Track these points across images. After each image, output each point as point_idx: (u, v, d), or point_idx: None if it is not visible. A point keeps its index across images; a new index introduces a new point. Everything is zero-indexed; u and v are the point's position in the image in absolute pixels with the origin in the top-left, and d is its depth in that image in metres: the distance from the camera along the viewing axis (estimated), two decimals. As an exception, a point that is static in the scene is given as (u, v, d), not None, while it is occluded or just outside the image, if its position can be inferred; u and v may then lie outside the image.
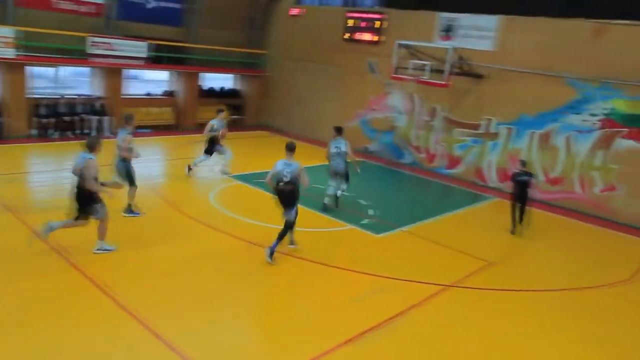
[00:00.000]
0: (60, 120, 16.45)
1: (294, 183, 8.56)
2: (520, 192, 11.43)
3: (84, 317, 6.44)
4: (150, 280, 7.64)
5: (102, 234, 8.23)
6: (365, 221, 11.34)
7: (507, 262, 10.05)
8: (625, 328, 7.86)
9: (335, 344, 6.36)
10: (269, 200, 12.05)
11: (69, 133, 16.57)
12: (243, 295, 7.57)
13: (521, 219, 11.56)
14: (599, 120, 13.81)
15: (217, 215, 10.72)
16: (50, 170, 13.30)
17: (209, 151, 13.53)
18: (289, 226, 8.83)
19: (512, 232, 11.67)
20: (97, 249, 8.22)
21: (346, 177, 11.84)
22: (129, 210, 10.13)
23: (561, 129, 14.44)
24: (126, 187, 9.95)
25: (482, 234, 11.91)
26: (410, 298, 7.86)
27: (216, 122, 13.51)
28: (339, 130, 11.82)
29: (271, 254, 8.56)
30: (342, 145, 11.55)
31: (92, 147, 7.84)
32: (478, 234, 11.91)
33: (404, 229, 11.18)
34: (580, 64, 13.96)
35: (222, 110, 14.00)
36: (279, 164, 8.63)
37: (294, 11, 20.85)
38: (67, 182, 12.02)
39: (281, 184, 8.57)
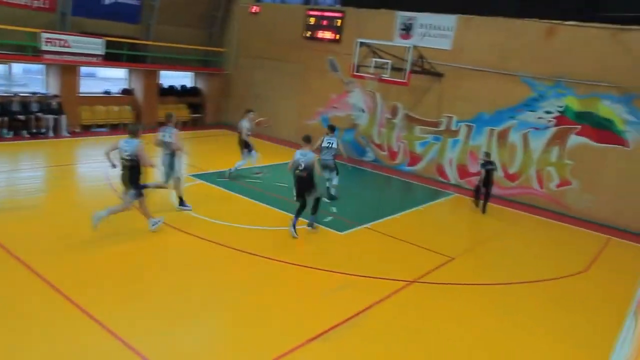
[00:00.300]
0: (13, 119, 15.89)
1: (308, 170, 9.80)
2: (487, 178, 13.15)
3: (40, 320, 6.25)
4: (108, 280, 7.47)
5: (147, 214, 9.35)
6: (328, 219, 11.37)
7: (468, 257, 10.24)
8: (588, 316, 8.16)
9: (301, 341, 6.38)
10: (230, 199, 12.05)
11: (23, 132, 16.03)
12: (205, 294, 7.50)
13: (485, 203, 13.38)
14: (553, 118, 14.25)
15: (178, 214, 10.56)
16: (5, 171, 12.82)
17: (248, 150, 13.71)
18: (316, 204, 10.35)
19: (477, 205, 13.49)
20: (152, 226, 9.37)
21: (335, 169, 12.75)
22: (182, 203, 10.90)
23: (518, 126, 14.84)
24: (168, 183, 10.72)
25: (444, 230, 12.14)
26: (374, 294, 7.94)
27: (246, 121, 13.60)
28: (332, 129, 12.89)
29: (310, 225, 10.44)
30: (334, 142, 12.57)
31: (136, 133, 8.82)
32: (439, 229, 12.13)
33: (367, 226, 11.27)
34: (534, 63, 14.38)
35: (251, 111, 14.08)
36: (297, 153, 9.94)
37: (254, 9, 20.74)
38: (22, 182, 11.74)
39: (297, 171, 9.86)
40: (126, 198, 8.99)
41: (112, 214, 8.84)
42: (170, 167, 10.56)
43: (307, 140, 10.12)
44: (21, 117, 16.00)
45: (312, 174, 9.88)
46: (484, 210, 13.29)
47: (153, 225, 9.37)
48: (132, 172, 8.80)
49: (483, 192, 13.36)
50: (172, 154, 10.52)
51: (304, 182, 9.89)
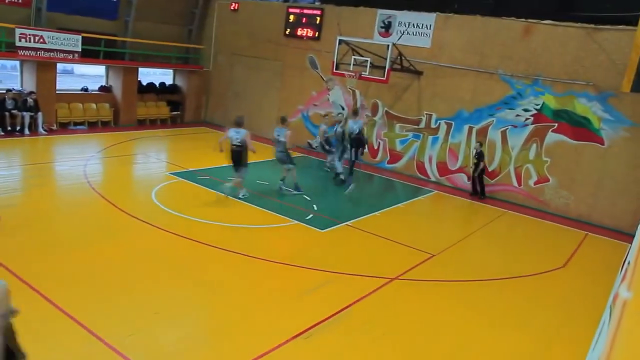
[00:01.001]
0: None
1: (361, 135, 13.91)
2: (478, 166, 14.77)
3: (16, 320, 6.14)
4: (87, 279, 7.38)
5: (239, 185, 11.93)
6: (310, 217, 11.39)
7: (449, 254, 10.34)
8: (566, 312, 8.29)
9: (283, 339, 6.38)
10: (211, 198, 12.01)
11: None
12: (186, 292, 7.45)
13: (483, 189, 14.96)
14: (531, 116, 14.44)
15: (158, 213, 10.48)
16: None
17: (328, 151, 15.03)
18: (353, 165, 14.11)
19: (474, 195, 15.05)
20: (242, 195, 11.99)
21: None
22: (296, 187, 12.89)
23: (497, 123, 15.01)
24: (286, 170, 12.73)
25: (424, 227, 12.23)
26: (356, 291, 7.97)
27: (323, 125, 15.08)
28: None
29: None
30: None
31: (242, 124, 11.58)
32: (420, 226, 12.23)
33: (348, 223, 11.31)
34: (513, 61, 14.56)
35: (327, 115, 15.60)
36: (352, 123, 13.86)
37: (234, 5, 20.62)
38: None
39: (355, 135, 13.67)
40: (239, 173, 11.72)
41: (235, 185, 11.78)
42: (287, 160, 12.61)
43: (355, 113, 14.62)
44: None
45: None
46: (475, 192, 15.03)
47: (242, 195, 11.93)
48: (241, 154, 11.48)
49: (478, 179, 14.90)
50: (285, 151, 12.44)
51: (361, 141, 13.86)
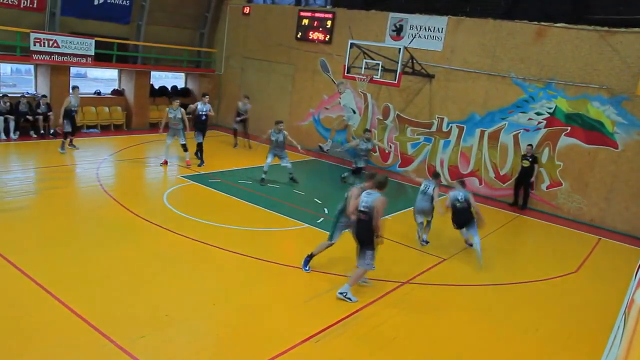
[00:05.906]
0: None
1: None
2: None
3: (30, 322, 6.20)
4: (98, 280, 7.43)
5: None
6: (321, 220, 11.37)
7: (459, 258, 10.28)
8: (578, 317, 8.20)
9: (294, 343, 6.38)
10: (222, 201, 12.02)
11: (1, 135, 15.85)
12: (196, 295, 7.47)
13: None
14: (543, 119, 14.33)
15: (169, 215, 10.52)
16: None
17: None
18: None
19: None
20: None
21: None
22: None
23: (509, 127, 14.90)
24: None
25: (436, 230, 12.13)
26: (366, 295, 7.95)
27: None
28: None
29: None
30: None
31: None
32: (432, 230, 12.13)
33: (359, 227, 11.24)
34: (525, 64, 14.46)
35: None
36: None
37: (246, 9, 20.67)
38: (11, 183, 11.64)
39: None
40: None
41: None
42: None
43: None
44: (9, 117, 15.82)
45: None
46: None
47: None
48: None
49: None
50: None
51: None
